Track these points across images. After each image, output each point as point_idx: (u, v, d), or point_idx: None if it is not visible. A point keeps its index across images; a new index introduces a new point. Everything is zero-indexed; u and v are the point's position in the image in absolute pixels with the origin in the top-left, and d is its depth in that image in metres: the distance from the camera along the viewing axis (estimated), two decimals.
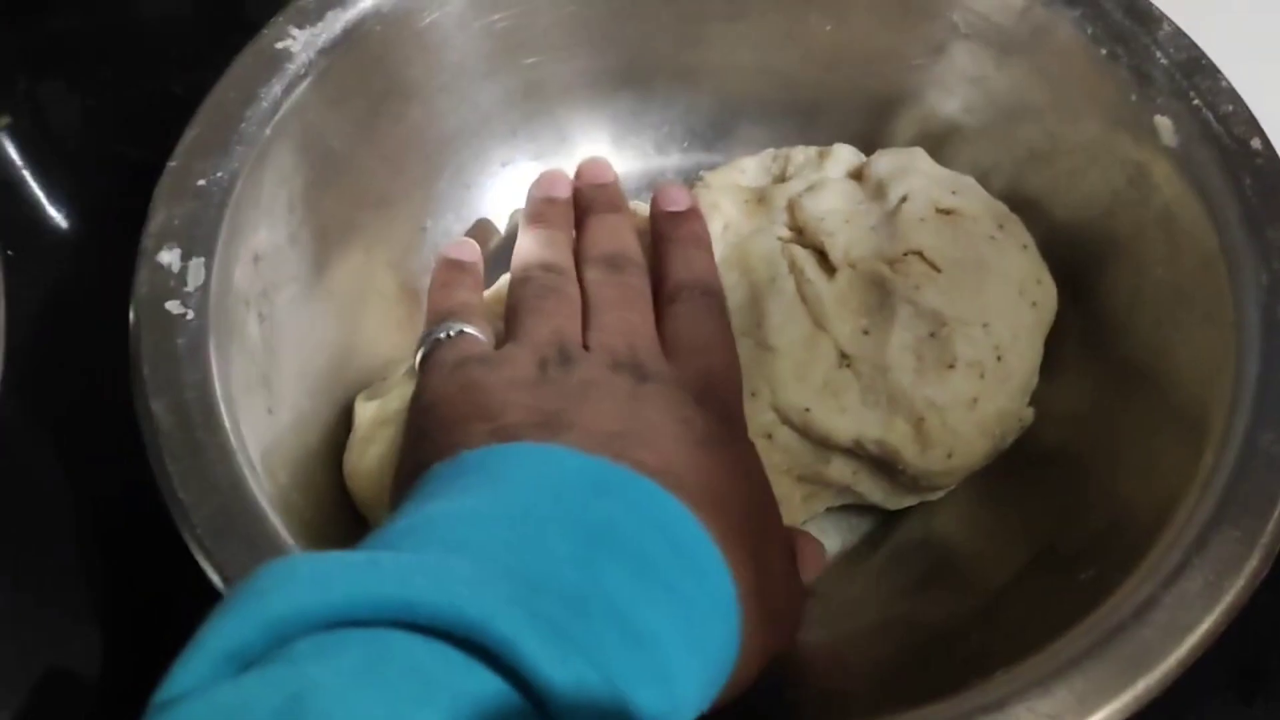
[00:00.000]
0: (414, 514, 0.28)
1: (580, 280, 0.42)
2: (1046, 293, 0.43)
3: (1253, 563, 0.33)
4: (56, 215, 0.55)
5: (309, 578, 0.23)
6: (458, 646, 0.22)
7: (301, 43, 0.43)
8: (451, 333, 0.39)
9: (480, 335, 0.40)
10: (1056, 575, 0.37)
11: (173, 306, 0.38)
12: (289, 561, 0.23)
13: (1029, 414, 0.43)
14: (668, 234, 0.44)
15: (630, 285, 0.42)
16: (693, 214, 0.45)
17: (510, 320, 0.41)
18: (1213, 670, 0.41)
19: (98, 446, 0.48)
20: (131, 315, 0.38)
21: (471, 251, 0.45)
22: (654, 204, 0.45)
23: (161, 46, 0.60)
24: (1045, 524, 0.41)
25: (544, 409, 0.34)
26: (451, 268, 0.44)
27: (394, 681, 0.21)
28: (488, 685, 0.22)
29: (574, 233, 0.45)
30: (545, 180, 0.47)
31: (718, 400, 0.37)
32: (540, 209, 0.45)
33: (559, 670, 0.22)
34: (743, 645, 0.30)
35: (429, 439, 0.35)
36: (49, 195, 0.56)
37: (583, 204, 0.46)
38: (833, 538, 0.45)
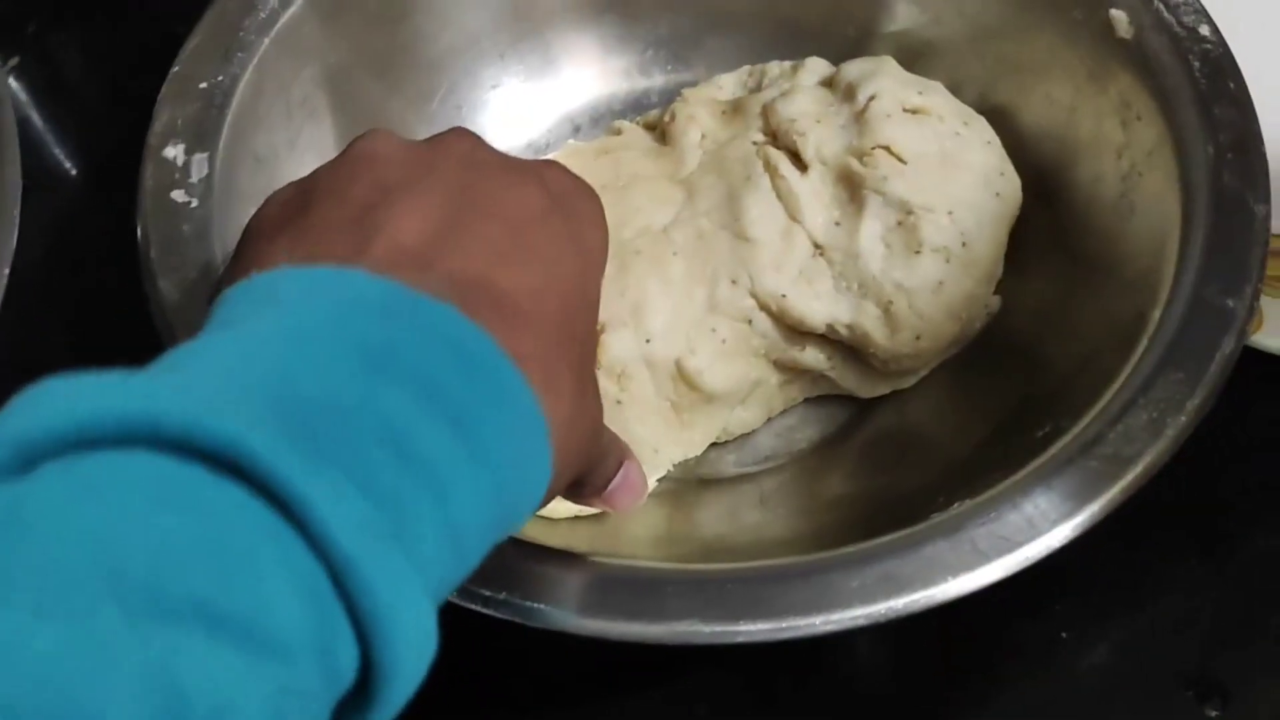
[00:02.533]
0: (196, 340, 0.26)
1: None
2: (1010, 184, 0.45)
3: (1195, 400, 0.35)
4: (61, 153, 0.57)
5: (57, 397, 0.22)
6: (210, 464, 0.21)
7: None
8: None
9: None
10: (1016, 436, 0.39)
11: (178, 196, 0.40)
12: (45, 383, 0.22)
13: (995, 302, 0.45)
14: None
15: None
16: None
17: None
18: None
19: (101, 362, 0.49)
20: (139, 205, 0.40)
21: None
22: None
23: None
24: (1009, 402, 0.43)
25: (362, 207, 0.30)
26: None
27: (121, 494, 0.21)
28: (232, 497, 0.21)
29: None
30: None
31: (561, 173, 0.34)
32: None
33: (313, 483, 0.21)
34: (556, 471, 0.28)
35: (242, 253, 0.31)
36: (54, 134, 0.58)
37: None
38: (812, 426, 0.47)
